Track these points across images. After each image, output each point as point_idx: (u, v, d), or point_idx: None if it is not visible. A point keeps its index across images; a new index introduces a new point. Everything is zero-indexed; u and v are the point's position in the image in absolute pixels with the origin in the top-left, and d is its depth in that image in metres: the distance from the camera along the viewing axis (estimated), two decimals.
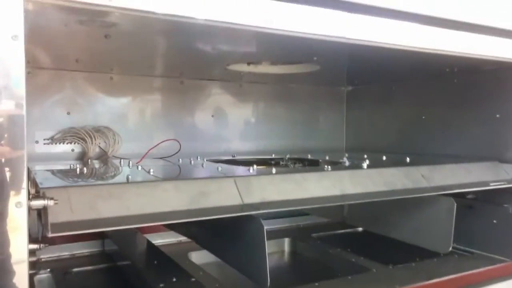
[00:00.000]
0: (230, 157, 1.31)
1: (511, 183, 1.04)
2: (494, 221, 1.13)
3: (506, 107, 1.14)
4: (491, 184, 1.00)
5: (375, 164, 1.02)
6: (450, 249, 0.95)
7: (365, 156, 1.18)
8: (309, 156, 1.28)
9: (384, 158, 1.18)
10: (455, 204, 0.93)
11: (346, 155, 1.32)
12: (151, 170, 0.87)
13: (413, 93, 1.42)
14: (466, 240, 1.16)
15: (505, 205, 1.11)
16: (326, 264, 1.14)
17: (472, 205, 1.17)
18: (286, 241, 1.29)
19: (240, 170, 0.96)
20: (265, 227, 0.70)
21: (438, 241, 0.97)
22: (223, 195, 0.72)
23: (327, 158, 1.20)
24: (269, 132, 1.55)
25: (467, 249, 1.16)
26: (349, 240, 1.31)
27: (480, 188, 0.99)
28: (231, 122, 1.50)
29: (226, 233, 0.81)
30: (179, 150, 1.32)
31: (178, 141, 1.33)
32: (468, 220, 1.17)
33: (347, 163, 1.08)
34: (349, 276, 0.96)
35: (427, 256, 1.06)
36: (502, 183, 1.02)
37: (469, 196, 1.16)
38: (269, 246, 1.21)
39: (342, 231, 1.38)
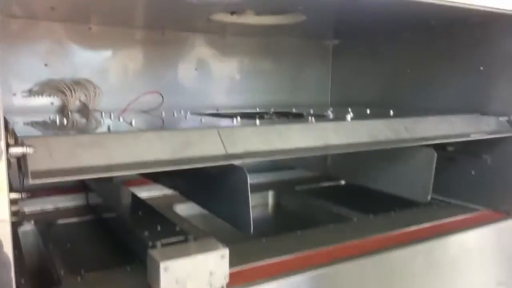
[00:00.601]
0: (214, 111, 1.30)
1: (491, 134, 1.06)
2: (472, 172, 1.17)
3: (490, 60, 1.14)
4: (472, 135, 1.02)
5: (359, 116, 1.03)
6: (429, 198, 0.98)
7: (350, 109, 1.19)
8: (293, 110, 1.28)
9: (368, 111, 1.18)
10: (436, 154, 0.95)
11: (331, 109, 1.32)
12: (133, 122, 0.86)
13: (398, 46, 1.41)
14: (445, 190, 1.19)
15: (484, 157, 1.13)
16: (308, 215, 1.17)
17: (452, 157, 1.19)
18: (270, 193, 1.31)
19: (224, 122, 0.96)
20: (251, 181, 0.71)
21: (418, 190, 1.00)
22: (207, 145, 0.71)
23: (311, 111, 1.20)
24: (253, 86, 1.54)
25: (445, 199, 1.20)
26: (331, 192, 1.34)
27: (461, 139, 1.00)
28: (215, 76, 1.48)
29: (210, 183, 0.82)
30: (162, 103, 1.30)
31: (161, 94, 1.30)
32: (447, 172, 1.20)
33: (331, 116, 1.08)
34: (331, 225, 0.99)
35: (406, 206, 1.10)
36: (483, 134, 1.04)
37: (450, 148, 1.18)
38: (253, 199, 1.23)
39: (325, 184, 1.40)
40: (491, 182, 1.12)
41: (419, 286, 0.91)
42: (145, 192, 1.19)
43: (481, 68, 1.15)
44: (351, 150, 0.85)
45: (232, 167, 0.72)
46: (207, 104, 1.43)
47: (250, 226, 0.70)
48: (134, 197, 1.08)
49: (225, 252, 0.67)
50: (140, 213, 0.93)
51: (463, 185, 1.18)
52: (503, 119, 1.09)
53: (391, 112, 1.11)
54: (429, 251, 0.92)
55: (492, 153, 1.12)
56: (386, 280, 0.84)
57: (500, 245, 1.06)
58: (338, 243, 0.87)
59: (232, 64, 1.51)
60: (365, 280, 0.82)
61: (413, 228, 0.97)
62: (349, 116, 0.97)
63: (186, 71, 1.41)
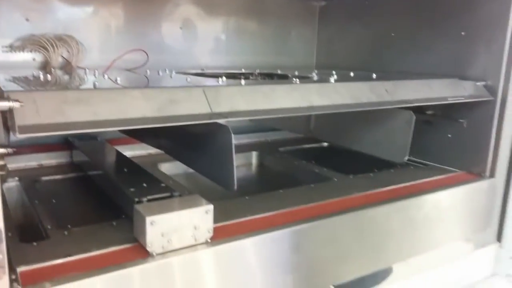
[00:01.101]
0: (199, 71, 1.29)
1: (468, 99, 1.09)
2: (449, 136, 1.21)
3: (471, 26, 1.15)
4: (449, 99, 1.05)
5: (343, 79, 1.04)
6: (406, 158, 1.01)
7: (334, 72, 1.20)
8: (278, 72, 1.29)
9: (352, 74, 1.20)
10: (414, 117, 0.98)
11: (316, 71, 1.33)
12: (118, 79, 0.85)
13: (384, 10, 1.41)
14: (422, 153, 1.24)
15: (461, 120, 1.17)
16: (291, 175, 1.20)
17: (430, 120, 1.23)
18: (254, 154, 1.33)
19: (209, 81, 0.96)
20: (235, 142, 0.73)
21: (395, 151, 1.03)
22: (192, 103, 0.72)
23: (296, 73, 1.21)
24: (239, 47, 1.53)
25: (422, 161, 1.25)
26: (314, 154, 1.37)
27: (439, 103, 1.03)
28: (200, 35, 1.46)
29: (195, 142, 0.83)
30: (147, 62, 1.29)
31: (146, 52, 1.29)
32: (425, 134, 1.23)
33: (315, 78, 1.09)
34: (312, 184, 1.02)
35: (385, 167, 1.14)
36: (460, 98, 1.07)
37: (428, 112, 1.22)
38: (237, 159, 1.26)
39: (308, 145, 1.43)
40: (466, 145, 1.17)
41: (395, 241, 0.95)
42: (130, 151, 1.20)
43: (463, 33, 1.17)
44: (333, 111, 0.87)
45: (217, 125, 0.74)
46: (192, 64, 1.42)
47: (234, 184, 0.73)
48: (119, 155, 1.09)
49: (209, 207, 0.70)
50: (125, 170, 0.94)
51: (440, 148, 1.22)
52: (481, 84, 1.12)
53: (374, 76, 1.13)
54: (404, 209, 0.96)
55: (468, 117, 1.16)
56: (363, 236, 0.89)
57: (470, 204, 1.11)
58: (318, 201, 0.90)
59: (217, 24, 1.49)
60: (343, 235, 0.86)
61: (390, 187, 1.02)
62: (332, 79, 0.98)
63: (171, 30, 1.39)
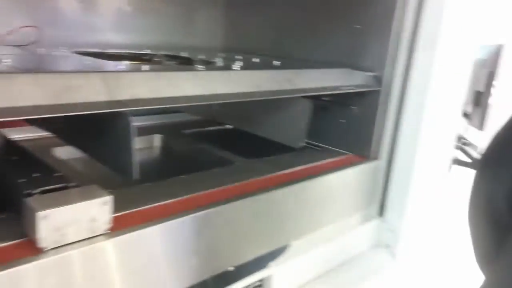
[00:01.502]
0: (99, 50, 1.23)
1: (358, 88, 1.19)
2: (342, 121, 1.31)
3: (364, 19, 1.25)
4: (342, 88, 1.13)
5: (247, 66, 1.07)
6: (303, 143, 1.08)
7: (239, 57, 1.22)
8: (183, 54, 1.27)
9: (258, 60, 1.23)
10: (311, 105, 1.05)
11: (221, 55, 1.34)
12: (6, 61, 0.78)
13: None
14: (319, 136, 1.33)
15: (352, 107, 1.27)
16: (194, 159, 1.22)
17: (325, 106, 1.31)
18: (156, 137, 1.31)
19: (110, 65, 0.93)
20: (136, 124, 0.71)
21: (294, 137, 1.10)
22: (90, 90, 0.69)
23: (201, 57, 1.21)
24: (143, 24, 1.47)
25: (319, 144, 1.34)
26: (217, 137, 1.39)
27: (333, 92, 1.11)
28: (101, 10, 1.37)
29: (93, 129, 0.80)
30: (39, 38, 1.19)
31: (37, 28, 1.19)
32: (321, 119, 1.32)
33: (220, 64, 1.10)
34: (215, 169, 1.05)
35: (285, 151, 1.20)
36: (352, 88, 1.16)
37: (325, 98, 1.30)
38: (139, 142, 1.24)
39: (212, 128, 1.45)
40: (356, 130, 1.28)
41: (291, 221, 1.03)
42: (20, 134, 1.11)
43: (357, 26, 1.26)
44: (236, 100, 0.89)
45: (115, 113, 0.72)
46: (92, 41, 1.34)
47: (133, 173, 0.72)
48: (6, 140, 1.01)
49: (107, 198, 0.68)
50: (13, 157, 0.88)
51: (334, 132, 1.32)
52: (370, 74, 1.23)
53: (278, 63, 1.18)
54: (300, 191, 1.03)
55: (359, 104, 1.26)
56: (262, 218, 0.94)
57: (358, 184, 1.23)
58: (219, 187, 0.93)
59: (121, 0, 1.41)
60: (243, 219, 0.90)
61: (287, 171, 1.08)
62: (237, 65, 1.00)
63: (68, 2, 1.29)
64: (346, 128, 1.30)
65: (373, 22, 1.22)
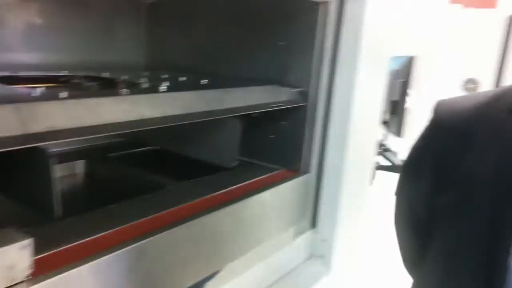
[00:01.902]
0: (10, 74, 1.13)
1: (287, 104, 1.21)
2: (273, 136, 1.32)
3: (288, 36, 1.28)
4: (270, 105, 1.15)
5: (174, 86, 1.04)
6: (235, 164, 1.08)
7: (165, 76, 1.18)
8: (105, 75, 1.21)
9: (185, 79, 1.20)
10: (241, 125, 1.04)
11: (146, 74, 1.29)
12: None
13: (211, 13, 1.44)
14: (250, 153, 1.33)
15: (281, 122, 1.29)
16: (123, 184, 1.16)
17: (256, 122, 1.32)
18: (79, 163, 1.23)
19: (23, 92, 0.85)
20: (56, 149, 0.66)
21: (225, 157, 1.09)
22: (1, 124, 0.63)
23: (125, 77, 1.16)
24: (59, 43, 1.37)
25: (251, 160, 1.34)
26: (146, 159, 1.34)
27: (262, 110, 1.12)
28: (11, 26, 1.26)
29: (6, 165, 0.73)
30: None
31: None
32: (251, 136, 1.33)
33: (145, 85, 1.06)
34: (146, 194, 1.00)
35: (217, 171, 1.18)
36: (280, 104, 1.18)
37: (254, 115, 1.31)
38: (60, 170, 1.15)
39: (139, 150, 1.39)
40: (286, 144, 1.30)
41: (228, 243, 1.01)
42: None
43: (281, 43, 1.28)
44: (165, 124, 0.86)
45: (32, 149, 0.66)
46: (2, 62, 1.23)
47: (54, 211, 0.67)
48: None
49: (26, 242, 0.62)
50: None
51: (265, 148, 1.33)
52: (296, 90, 1.25)
53: (206, 81, 1.16)
54: (235, 212, 1.02)
55: (287, 119, 1.29)
56: (198, 244, 0.92)
57: (291, 198, 1.25)
58: (151, 214, 0.89)
59: (32, 13, 1.31)
60: (179, 247, 0.87)
61: (221, 192, 1.07)
62: (164, 86, 0.97)
63: None
64: (276, 143, 1.32)
65: (296, 39, 1.25)
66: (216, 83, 1.14)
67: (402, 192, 1.03)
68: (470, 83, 3.53)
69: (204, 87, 1.11)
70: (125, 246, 0.76)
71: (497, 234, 0.73)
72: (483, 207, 0.75)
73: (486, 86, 3.42)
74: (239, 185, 1.13)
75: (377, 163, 2.01)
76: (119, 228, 0.82)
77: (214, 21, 1.44)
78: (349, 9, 1.22)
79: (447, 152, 0.84)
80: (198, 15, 1.48)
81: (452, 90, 3.41)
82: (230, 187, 1.10)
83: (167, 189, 1.07)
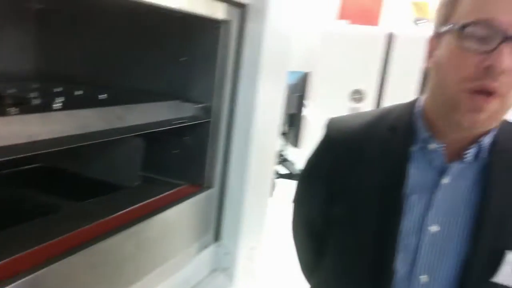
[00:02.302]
0: None
1: (190, 120, 1.21)
2: (176, 152, 1.31)
3: (189, 52, 1.28)
4: (174, 122, 1.14)
5: (70, 102, 0.98)
6: (137, 183, 1.05)
7: (58, 90, 1.11)
8: None
9: (81, 92, 1.14)
10: (143, 144, 1.02)
11: (36, 86, 1.20)
12: None
13: (110, 24, 1.38)
14: (153, 168, 1.30)
15: (185, 138, 1.29)
16: (13, 207, 1.05)
17: (159, 137, 1.30)
18: None
19: None
20: None
21: (127, 176, 1.06)
22: None
23: (12, 91, 1.06)
24: None
25: (155, 176, 1.31)
26: (39, 179, 1.23)
27: (166, 128, 1.11)
28: None
29: None
30: None
31: None
32: (154, 151, 1.30)
33: (37, 101, 0.98)
34: (38, 218, 0.93)
35: (118, 189, 1.14)
36: (183, 121, 1.18)
37: (157, 130, 1.29)
38: None
39: (30, 167, 1.28)
40: (190, 159, 1.30)
41: (132, 265, 0.98)
42: None
43: (182, 59, 1.28)
44: (59, 148, 0.81)
45: None
46: None
47: None
48: None
49: None
50: None
51: (168, 163, 1.32)
52: (199, 106, 1.26)
53: (104, 95, 1.11)
54: (138, 232, 1.00)
55: (190, 134, 1.29)
56: (99, 271, 0.88)
57: (195, 213, 1.25)
58: (44, 242, 0.83)
59: None
60: (79, 276, 0.82)
61: (123, 211, 1.03)
62: (58, 103, 0.91)
63: None
64: (180, 159, 1.31)
65: (199, 55, 1.26)
66: (116, 98, 1.10)
67: (299, 201, 1.09)
68: (357, 93, 3.86)
69: (103, 102, 1.06)
70: (17, 279, 0.70)
71: (383, 242, 0.82)
72: (371, 218, 0.84)
73: (371, 96, 3.76)
74: (141, 203, 1.10)
75: (277, 171, 2.10)
76: (8, 259, 0.75)
77: (112, 32, 1.38)
78: (250, 28, 1.26)
79: (338, 167, 0.92)
80: (93, 24, 1.41)
81: (341, 101, 3.70)
82: (131, 206, 1.07)
83: (63, 211, 1.00)
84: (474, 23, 0.66)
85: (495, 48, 0.65)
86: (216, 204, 1.34)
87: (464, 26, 0.68)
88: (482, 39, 0.66)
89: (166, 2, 0.96)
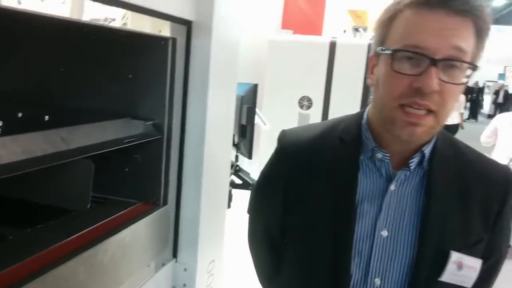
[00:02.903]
0: None
1: (141, 138, 1.19)
2: (127, 170, 1.29)
3: (137, 69, 1.26)
4: (124, 141, 1.12)
5: (11, 125, 0.94)
6: (88, 206, 1.02)
7: None
8: None
9: (20, 115, 1.09)
10: (93, 165, 1.00)
11: None
12: None
13: (52, 43, 1.34)
14: (105, 188, 1.27)
15: (136, 156, 1.27)
16: None
17: (110, 157, 1.27)
18: None
19: None
20: None
21: (77, 200, 1.02)
22: None
23: None
24: None
25: (107, 196, 1.28)
26: None
27: (115, 148, 1.08)
28: None
29: None
30: None
31: None
32: (105, 171, 1.27)
33: None
34: None
35: (69, 214, 1.10)
36: (133, 139, 1.16)
37: (107, 150, 1.26)
38: None
39: None
40: (143, 177, 1.28)
41: None
42: None
43: (130, 76, 1.26)
44: (2, 176, 0.78)
45: None
46: None
47: None
48: None
49: None
50: None
51: (120, 182, 1.29)
52: (149, 123, 1.25)
53: (47, 117, 1.07)
54: (92, 257, 0.97)
55: (142, 152, 1.27)
56: None
57: (151, 232, 1.23)
58: None
59: None
60: None
61: (75, 236, 1.00)
62: None
63: None
64: (133, 177, 1.28)
65: (147, 72, 1.25)
66: (61, 119, 1.07)
67: (255, 212, 1.10)
68: (305, 100, 3.95)
69: (48, 124, 1.03)
70: None
71: (339, 249, 0.85)
72: (325, 226, 0.87)
73: (318, 102, 3.87)
74: (93, 226, 1.07)
75: (232, 181, 2.11)
76: None
77: (54, 50, 1.34)
78: (196, 44, 1.27)
79: (292, 178, 0.94)
80: (34, 42, 1.35)
81: (291, 109, 3.78)
82: (83, 230, 1.03)
83: (8, 240, 0.95)
84: (405, 48, 0.73)
85: (423, 71, 0.71)
86: (172, 221, 1.33)
87: (395, 51, 0.74)
88: (413, 63, 0.73)
89: (108, 23, 0.94)
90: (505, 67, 20.17)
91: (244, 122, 1.86)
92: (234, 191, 2.01)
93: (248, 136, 1.88)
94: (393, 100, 0.74)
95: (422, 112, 0.72)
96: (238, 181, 2.13)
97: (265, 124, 2.48)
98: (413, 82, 0.72)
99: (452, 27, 0.70)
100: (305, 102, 3.93)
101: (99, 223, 1.08)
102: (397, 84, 0.73)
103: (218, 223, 1.51)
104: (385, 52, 0.75)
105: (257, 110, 2.35)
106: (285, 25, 4.54)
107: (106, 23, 0.97)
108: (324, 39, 3.88)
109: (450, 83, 0.71)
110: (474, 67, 0.72)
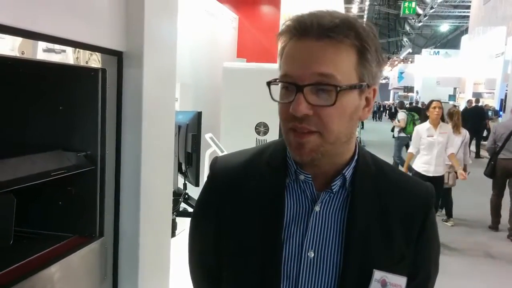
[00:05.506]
0: None
1: (71, 170, 1.18)
2: (60, 203, 1.26)
3: (68, 100, 1.26)
4: (52, 174, 1.10)
5: None
6: (11, 239, 0.99)
7: None
8: None
9: None
10: (15, 200, 0.97)
11: None
12: None
13: None
14: (35, 223, 1.24)
15: (69, 188, 1.25)
16: None
17: (39, 188, 1.24)
18: None
19: None
20: None
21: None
22: None
23: None
24: None
25: (38, 231, 1.24)
26: None
27: (43, 180, 1.07)
28: None
29: None
30: None
31: None
32: (37, 205, 1.24)
33: None
34: None
35: None
36: (63, 171, 1.15)
37: (38, 182, 1.23)
38: None
39: None
40: (77, 210, 1.25)
41: None
42: None
43: (60, 108, 1.26)
44: None
45: None
46: None
47: None
48: None
49: None
50: None
51: (54, 216, 1.26)
52: (81, 154, 1.24)
53: None
54: None
55: (76, 184, 1.25)
56: None
57: (88, 265, 1.20)
58: None
59: None
60: None
61: None
62: None
63: None
64: (66, 210, 1.26)
65: (78, 103, 1.25)
66: None
67: (193, 239, 1.10)
68: (261, 126, 4.00)
69: None
70: None
71: (267, 271, 0.85)
72: (255, 251, 0.87)
73: (274, 128, 3.93)
74: (19, 263, 1.03)
75: (185, 210, 2.09)
76: None
77: None
78: (128, 73, 1.28)
79: (223, 204, 0.95)
80: None
81: (249, 134, 3.81)
82: (7, 268, 1.00)
83: None
84: (280, 78, 0.79)
85: (294, 98, 0.74)
86: (110, 253, 1.30)
87: (276, 79, 0.80)
88: (288, 91, 0.78)
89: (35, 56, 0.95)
90: (455, 88, 21.21)
91: (189, 150, 1.86)
92: (185, 219, 1.99)
93: (194, 163, 1.88)
94: (284, 124, 0.79)
95: (305, 131, 0.76)
96: (190, 209, 2.11)
97: (222, 151, 2.49)
98: (288, 108, 0.76)
99: (316, 54, 0.75)
100: (262, 128, 3.98)
101: (25, 260, 1.05)
102: (282, 110, 0.79)
103: (161, 253, 1.48)
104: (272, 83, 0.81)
105: (213, 137, 2.36)
106: (240, 54, 4.64)
107: (33, 57, 0.97)
108: (275, 66, 3.96)
109: (318, 105, 0.75)
110: (352, 86, 0.77)
